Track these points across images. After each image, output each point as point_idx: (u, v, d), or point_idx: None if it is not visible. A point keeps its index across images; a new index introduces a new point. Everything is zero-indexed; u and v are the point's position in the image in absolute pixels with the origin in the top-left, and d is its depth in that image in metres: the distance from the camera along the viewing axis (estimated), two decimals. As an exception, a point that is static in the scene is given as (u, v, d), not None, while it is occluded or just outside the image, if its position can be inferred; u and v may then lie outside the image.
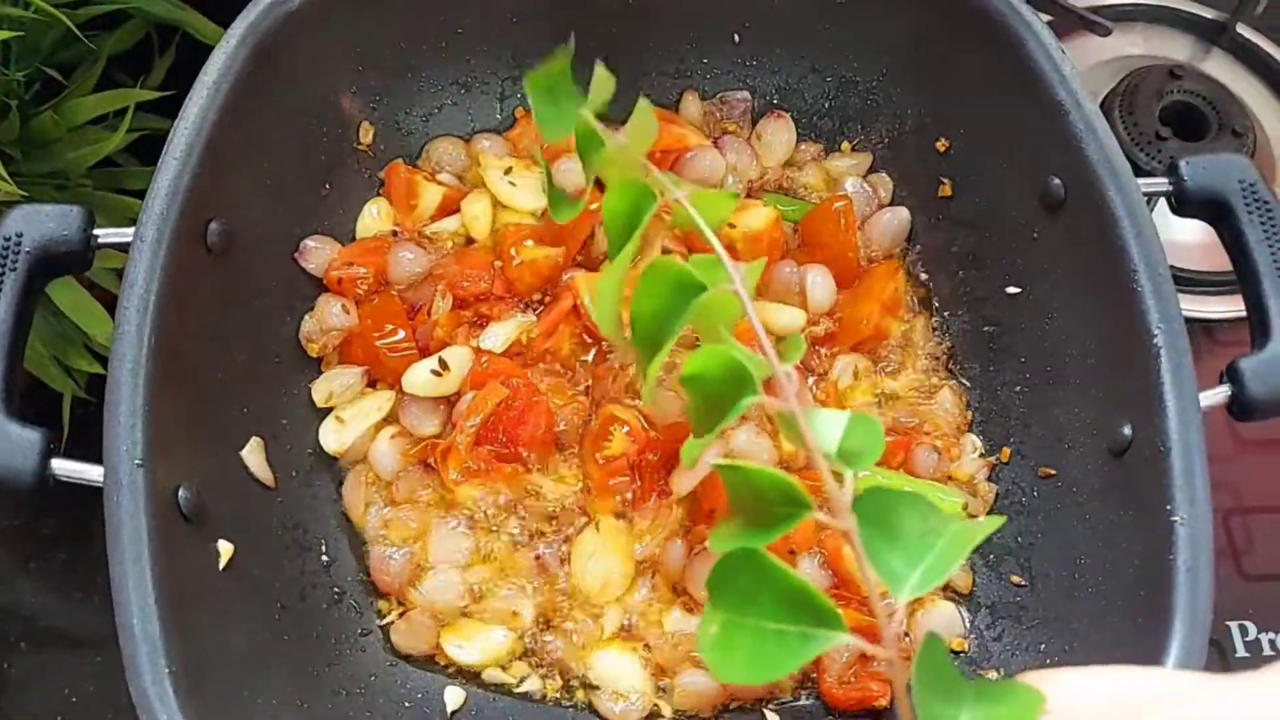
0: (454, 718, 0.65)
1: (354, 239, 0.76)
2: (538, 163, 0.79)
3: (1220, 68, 1.01)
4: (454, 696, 0.65)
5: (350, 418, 0.71)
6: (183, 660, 0.52)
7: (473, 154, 0.80)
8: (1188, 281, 0.90)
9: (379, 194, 0.78)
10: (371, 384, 0.73)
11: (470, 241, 0.78)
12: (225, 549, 0.60)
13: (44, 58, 0.73)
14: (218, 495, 0.61)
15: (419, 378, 0.71)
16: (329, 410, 0.72)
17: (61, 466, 0.55)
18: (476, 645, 0.66)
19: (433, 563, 0.68)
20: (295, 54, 0.68)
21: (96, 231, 0.59)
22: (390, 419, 0.72)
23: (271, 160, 0.69)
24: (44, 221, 0.58)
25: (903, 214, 0.78)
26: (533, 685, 0.66)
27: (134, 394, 0.55)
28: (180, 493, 0.57)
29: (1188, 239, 0.90)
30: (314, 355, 0.72)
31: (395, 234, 0.77)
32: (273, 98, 0.67)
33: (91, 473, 0.55)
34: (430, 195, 0.77)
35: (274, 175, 0.69)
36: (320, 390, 0.72)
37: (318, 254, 0.73)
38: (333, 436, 0.71)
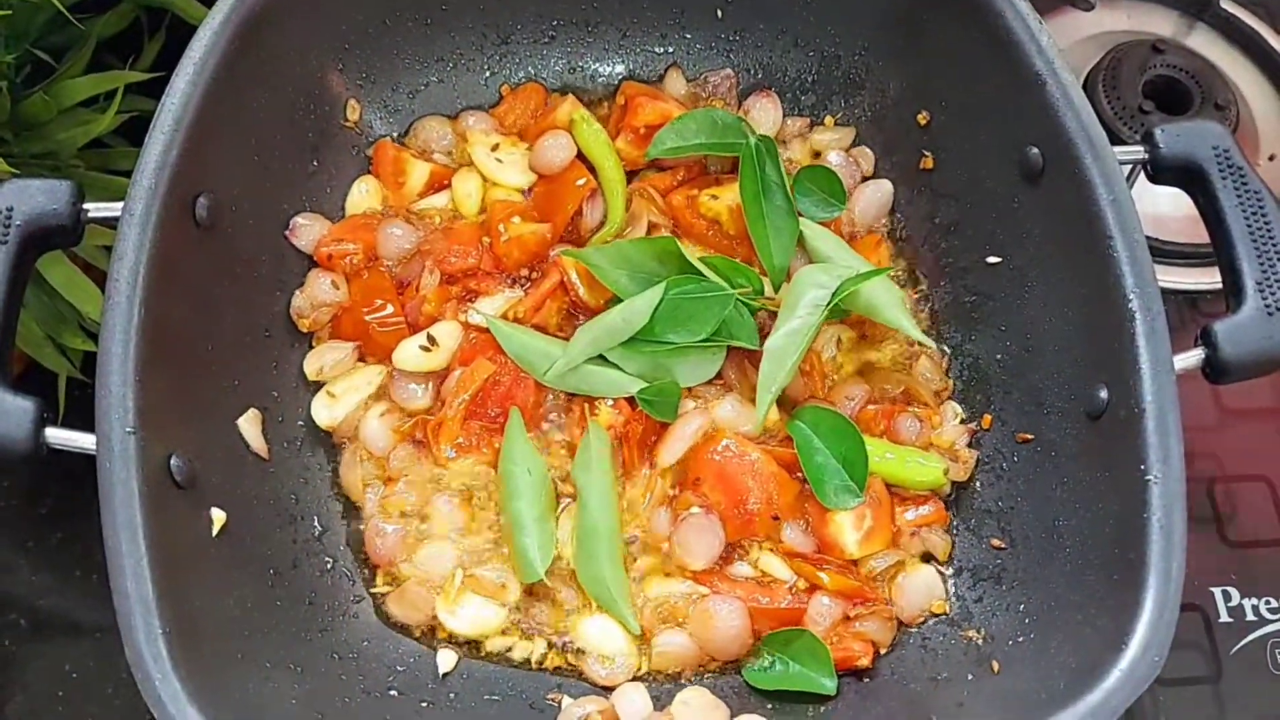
0: (445, 680, 0.66)
1: (343, 215, 0.77)
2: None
3: (1203, 42, 1.02)
4: (446, 659, 0.66)
5: (341, 392, 0.72)
6: (176, 622, 0.53)
7: (459, 131, 0.81)
8: (1170, 254, 0.91)
9: (367, 171, 0.79)
10: (361, 359, 0.74)
11: (458, 217, 0.78)
12: (218, 516, 0.61)
13: (34, 40, 0.74)
14: (210, 464, 0.62)
15: (409, 353, 0.72)
16: (320, 384, 0.73)
17: (55, 435, 0.56)
18: (468, 615, 0.67)
19: (432, 535, 0.69)
20: (280, 31, 0.69)
21: (86, 205, 0.60)
22: (381, 395, 0.73)
23: (259, 136, 0.69)
24: (34, 195, 0.59)
25: (885, 186, 0.79)
26: (522, 652, 0.67)
27: (124, 363, 0.56)
28: (173, 461, 0.58)
29: (1170, 212, 0.91)
30: (305, 330, 0.73)
31: (384, 211, 0.78)
32: (259, 74, 0.68)
33: (84, 440, 0.56)
34: (418, 172, 0.78)
35: (261, 151, 0.70)
36: (312, 364, 0.73)
37: (307, 231, 0.74)
38: (325, 411, 0.72)
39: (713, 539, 0.67)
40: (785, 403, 0.72)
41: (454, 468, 0.71)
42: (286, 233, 0.73)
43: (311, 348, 0.74)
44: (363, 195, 0.78)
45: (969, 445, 0.72)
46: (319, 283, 0.73)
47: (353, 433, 0.72)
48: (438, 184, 0.79)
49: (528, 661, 0.67)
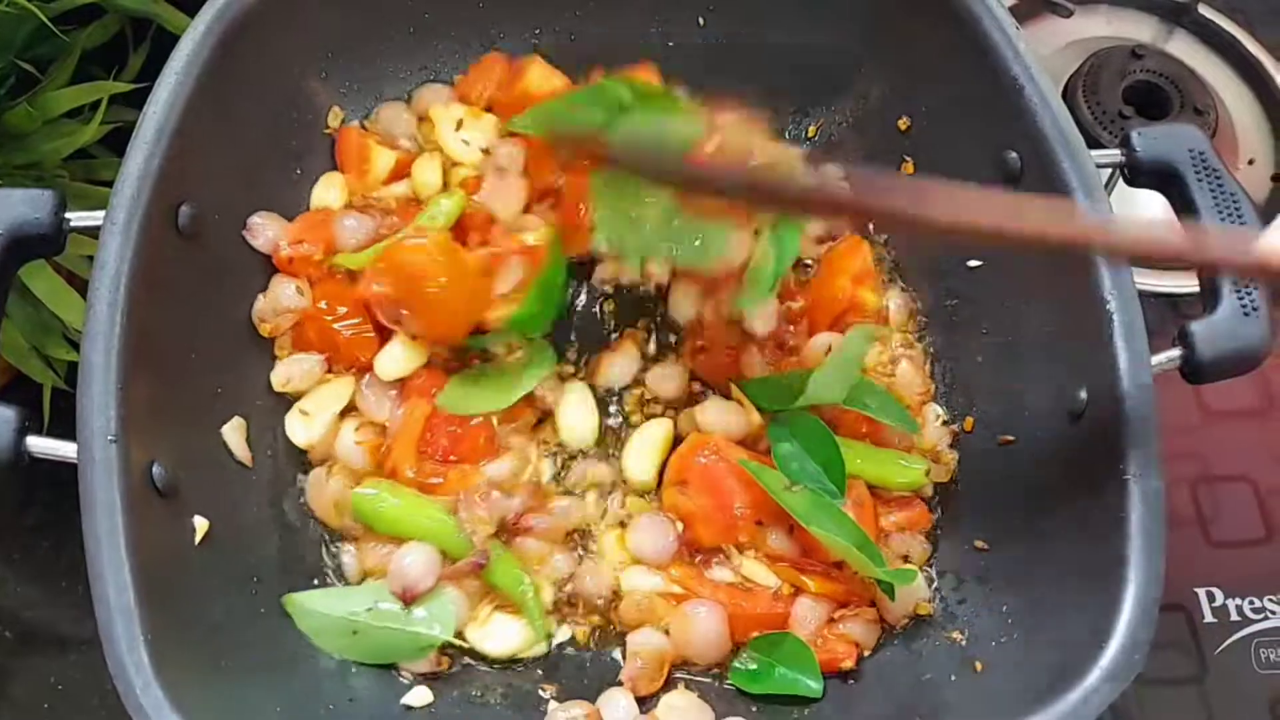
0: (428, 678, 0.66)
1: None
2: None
3: (1182, 48, 1.03)
4: (418, 696, 0.65)
5: (314, 409, 0.71)
6: (158, 630, 0.53)
7: (420, 110, 0.79)
8: (1151, 256, 0.91)
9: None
10: (329, 370, 0.72)
11: (415, 202, 0.76)
12: (201, 524, 0.61)
13: (18, 52, 0.74)
14: (193, 472, 0.62)
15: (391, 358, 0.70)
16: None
17: (37, 444, 0.56)
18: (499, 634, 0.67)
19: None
20: (262, 39, 0.69)
21: (68, 215, 0.60)
22: (350, 409, 0.71)
23: (241, 145, 0.70)
24: (15, 205, 0.59)
25: None
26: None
27: (106, 372, 0.56)
28: (154, 469, 0.58)
29: (1152, 216, 0.91)
30: (265, 335, 0.71)
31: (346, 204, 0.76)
32: (241, 82, 0.68)
33: (66, 449, 0.56)
34: (383, 160, 0.76)
35: (244, 159, 0.70)
36: (279, 376, 0.71)
37: (264, 230, 0.72)
38: (301, 430, 0.70)
39: (663, 536, 0.68)
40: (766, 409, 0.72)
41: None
42: (244, 232, 0.71)
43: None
44: (327, 191, 0.76)
45: (951, 447, 0.72)
46: (281, 288, 0.71)
47: (327, 453, 0.70)
48: (403, 171, 0.77)
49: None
